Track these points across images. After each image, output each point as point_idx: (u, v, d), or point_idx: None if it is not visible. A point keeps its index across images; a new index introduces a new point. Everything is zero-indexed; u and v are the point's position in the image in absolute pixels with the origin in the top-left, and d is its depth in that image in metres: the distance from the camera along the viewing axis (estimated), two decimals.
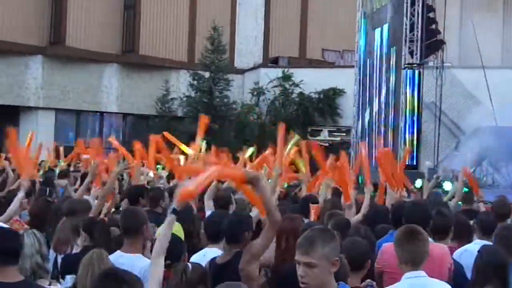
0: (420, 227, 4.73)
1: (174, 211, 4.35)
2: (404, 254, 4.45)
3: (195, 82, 30.01)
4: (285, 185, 12.86)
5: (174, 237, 4.73)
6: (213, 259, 5.34)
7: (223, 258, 5.27)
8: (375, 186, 9.07)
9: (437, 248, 5.38)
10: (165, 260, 4.37)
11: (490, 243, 6.01)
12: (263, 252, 4.90)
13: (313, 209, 7.65)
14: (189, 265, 4.61)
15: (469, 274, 5.04)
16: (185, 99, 30.29)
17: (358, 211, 7.81)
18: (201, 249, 6.01)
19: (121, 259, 5.26)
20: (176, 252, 4.92)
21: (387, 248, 5.31)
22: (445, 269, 5.23)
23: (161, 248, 4.32)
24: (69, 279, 5.30)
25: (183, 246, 5.39)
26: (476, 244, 6.05)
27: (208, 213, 7.76)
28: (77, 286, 4.68)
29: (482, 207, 8.12)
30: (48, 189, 9.50)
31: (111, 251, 5.31)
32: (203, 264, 5.38)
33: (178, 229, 5.35)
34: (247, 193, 5.11)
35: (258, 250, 4.83)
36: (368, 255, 5.02)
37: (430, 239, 5.90)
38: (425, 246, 4.54)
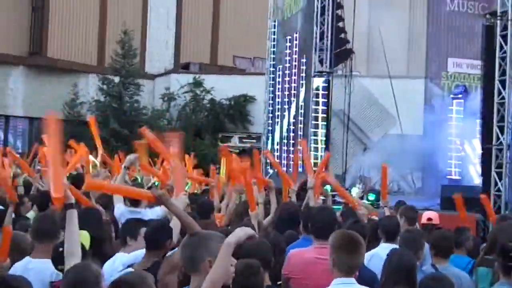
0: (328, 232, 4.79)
1: (70, 205, 4.29)
2: (343, 262, 4.42)
3: (104, 87, 29.58)
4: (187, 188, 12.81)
5: None
6: (131, 266, 5.24)
7: (142, 266, 5.18)
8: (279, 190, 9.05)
9: None
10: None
11: (396, 246, 6.16)
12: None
13: (218, 218, 7.64)
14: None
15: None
16: (94, 103, 29.79)
17: None
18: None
19: (30, 264, 5.13)
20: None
21: (294, 254, 5.36)
22: None
23: (73, 247, 4.22)
24: None
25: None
26: (383, 248, 6.18)
27: (118, 206, 7.63)
28: None
29: (387, 212, 8.29)
30: None
31: None
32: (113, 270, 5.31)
33: (85, 236, 5.23)
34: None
35: (179, 261, 4.77)
36: (269, 255, 4.96)
37: None
38: (363, 255, 4.59)
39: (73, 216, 4.32)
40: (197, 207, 7.86)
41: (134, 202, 7.73)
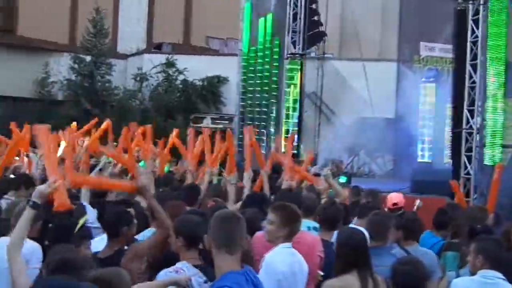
0: None
1: (34, 204, 4.20)
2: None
3: (76, 66, 29.30)
4: (167, 169, 12.81)
5: None
6: (96, 253, 5.26)
7: (104, 253, 5.21)
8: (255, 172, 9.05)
9: (309, 236, 5.52)
10: None
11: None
12: (147, 252, 4.87)
13: None
14: None
15: None
16: (65, 82, 29.53)
17: None
18: None
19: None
20: None
21: (257, 236, 5.36)
22: (315, 256, 5.36)
23: (18, 240, 4.16)
24: None
25: None
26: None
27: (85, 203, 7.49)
28: None
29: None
30: None
31: None
32: None
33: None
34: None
35: (143, 250, 4.82)
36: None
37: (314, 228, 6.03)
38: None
39: (32, 215, 4.23)
40: (185, 191, 7.77)
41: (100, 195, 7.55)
